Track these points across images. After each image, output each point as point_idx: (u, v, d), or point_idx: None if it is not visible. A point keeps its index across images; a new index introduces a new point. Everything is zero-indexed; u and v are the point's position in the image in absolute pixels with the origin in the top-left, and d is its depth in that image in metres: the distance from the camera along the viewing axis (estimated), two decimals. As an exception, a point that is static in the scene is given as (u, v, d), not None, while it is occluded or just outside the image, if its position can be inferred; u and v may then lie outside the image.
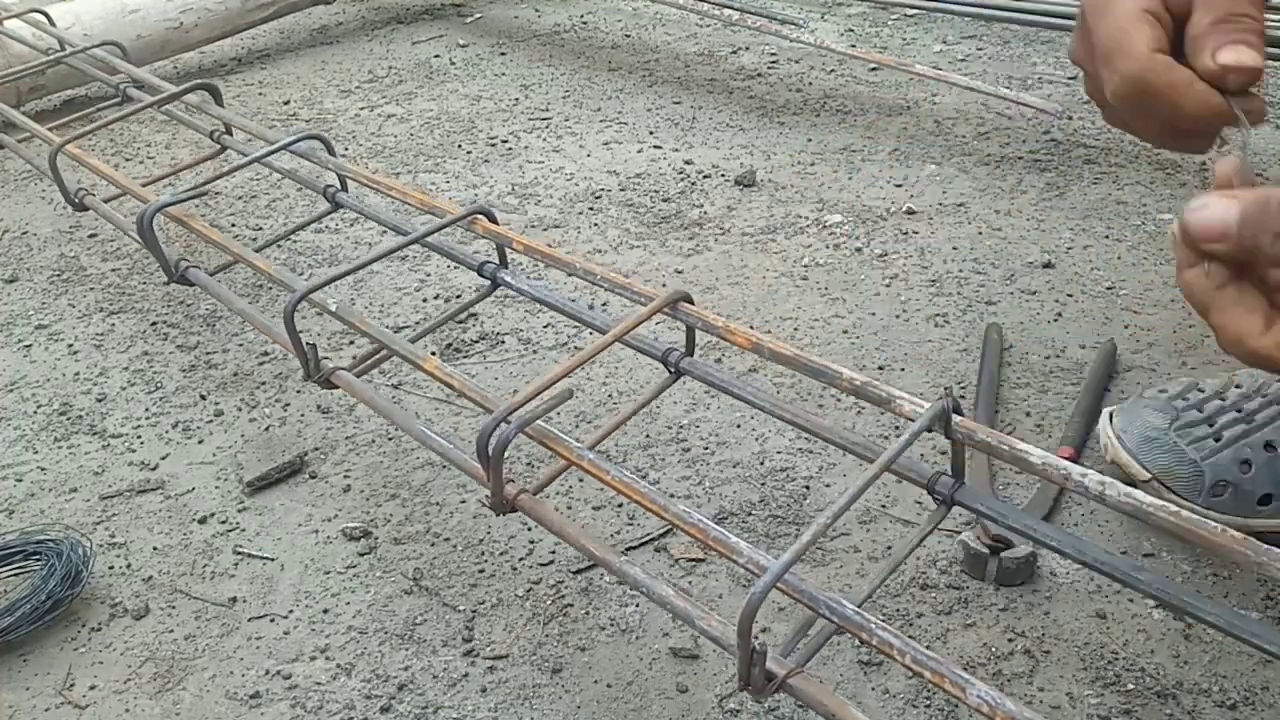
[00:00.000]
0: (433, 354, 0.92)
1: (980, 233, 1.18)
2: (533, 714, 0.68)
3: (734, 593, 0.75)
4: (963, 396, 0.92)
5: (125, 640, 0.75)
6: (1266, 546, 0.44)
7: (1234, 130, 0.45)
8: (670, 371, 0.66)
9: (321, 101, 1.67)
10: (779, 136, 1.44)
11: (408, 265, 1.18)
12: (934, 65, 1.54)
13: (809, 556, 0.77)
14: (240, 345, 1.06)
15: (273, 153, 0.91)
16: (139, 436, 0.95)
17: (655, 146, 1.43)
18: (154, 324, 1.11)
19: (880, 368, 0.97)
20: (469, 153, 1.46)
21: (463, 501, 0.85)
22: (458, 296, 1.12)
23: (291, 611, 0.76)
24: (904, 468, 0.55)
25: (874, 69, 1.63)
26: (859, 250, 1.16)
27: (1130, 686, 0.66)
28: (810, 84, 1.61)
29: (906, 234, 1.18)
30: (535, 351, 1.03)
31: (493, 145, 1.48)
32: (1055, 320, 1.02)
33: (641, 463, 0.87)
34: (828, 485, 0.84)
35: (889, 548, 0.78)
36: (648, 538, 0.80)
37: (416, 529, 0.83)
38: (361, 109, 1.63)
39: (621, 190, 1.32)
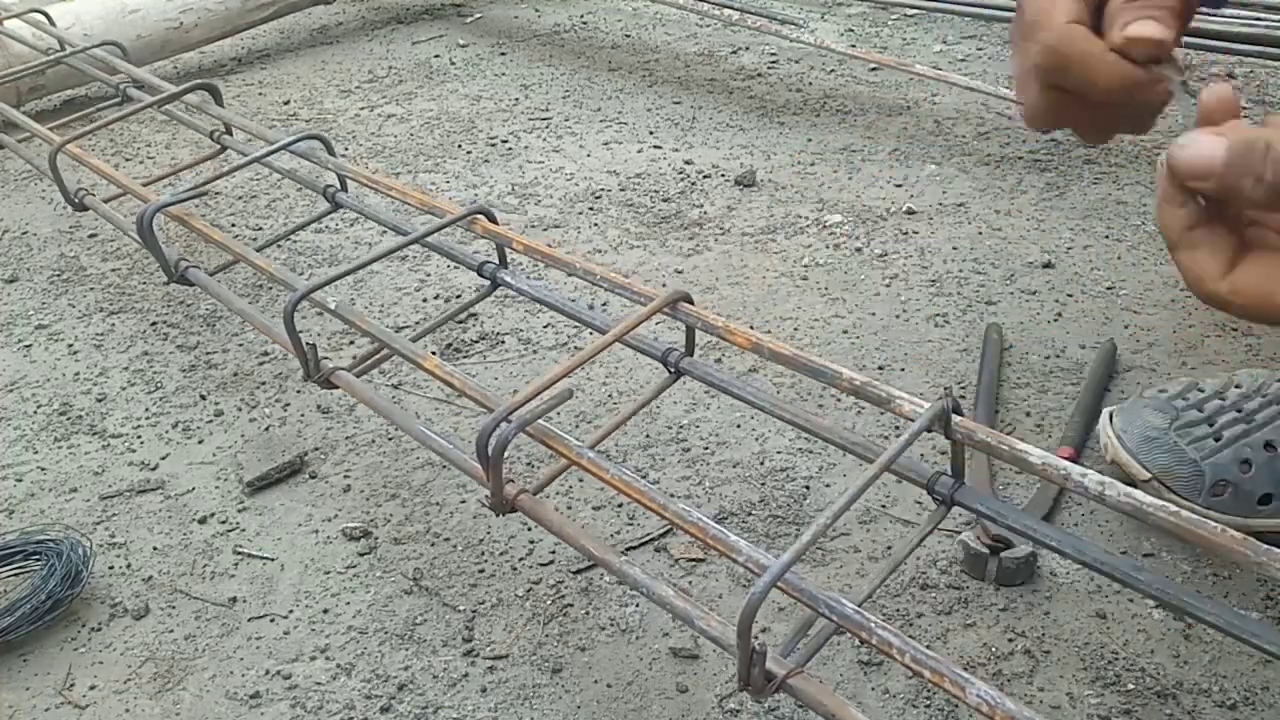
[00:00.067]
0: (433, 354, 0.92)
1: (980, 233, 1.18)
2: (533, 714, 0.68)
3: (734, 593, 0.75)
4: (963, 396, 0.92)
5: (125, 640, 0.75)
6: (1266, 546, 0.44)
7: (1179, 106, 0.45)
8: (670, 371, 0.66)
9: (321, 101, 1.67)
10: (779, 136, 1.44)
11: (408, 265, 1.18)
12: (934, 65, 1.54)
13: (809, 556, 0.77)
14: (240, 345, 1.06)
15: (273, 153, 0.91)
16: (139, 436, 0.95)
17: (655, 146, 1.43)
18: (154, 324, 1.11)
19: (880, 368, 0.97)
20: (469, 153, 1.46)
21: (463, 501, 0.85)
22: (458, 296, 1.12)
23: (291, 611, 0.76)
24: (904, 468, 0.55)
25: (874, 69, 1.63)
26: (859, 250, 1.16)
27: (1130, 686, 0.66)
28: (810, 84, 1.61)
29: (906, 234, 1.18)
30: (535, 351, 1.03)
31: (493, 145, 1.48)
32: (1055, 320, 1.02)
33: (641, 463, 0.87)
34: (828, 485, 0.84)
35: (889, 548, 0.78)
36: (648, 538, 0.80)
37: (416, 529, 0.83)
38: (361, 109, 1.63)
39: (621, 190, 1.32)
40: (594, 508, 0.83)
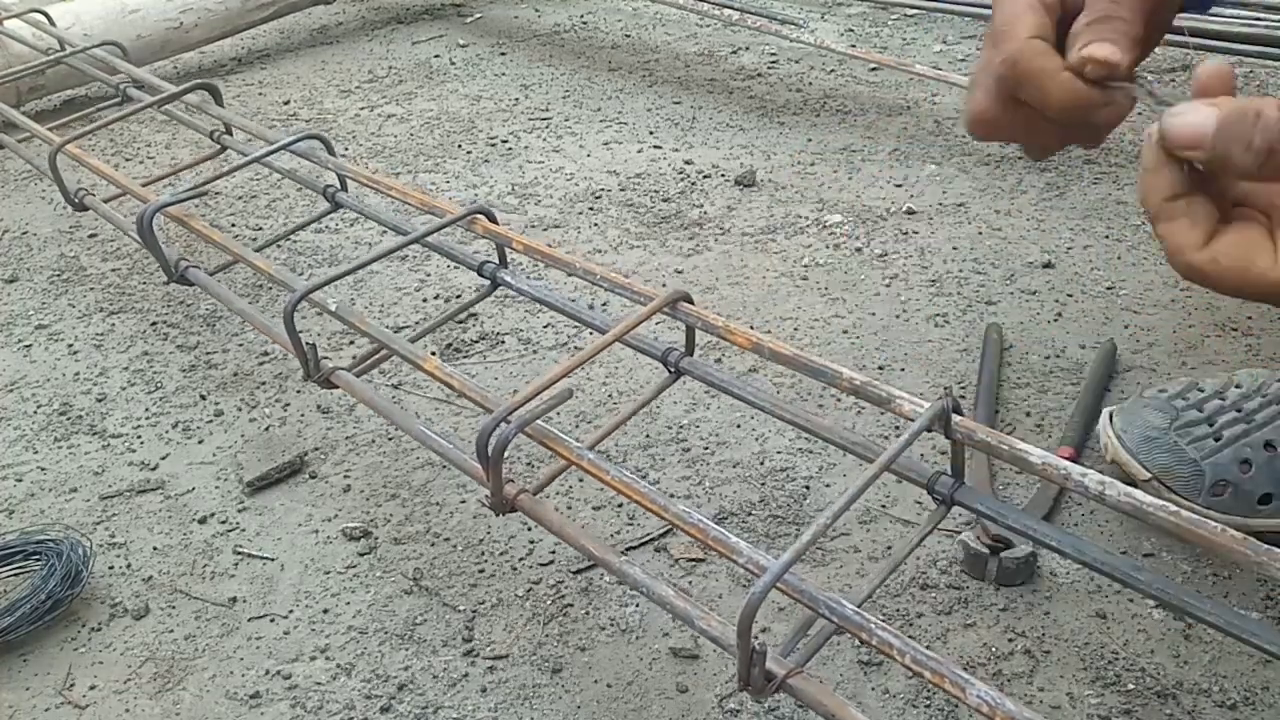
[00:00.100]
0: (433, 354, 0.92)
1: (980, 233, 1.18)
2: (533, 714, 0.68)
3: (734, 593, 0.75)
4: (963, 396, 0.92)
5: (125, 640, 0.75)
6: (1266, 546, 0.44)
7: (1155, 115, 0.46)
8: (670, 371, 0.66)
9: (321, 101, 1.67)
10: (779, 136, 1.44)
11: (408, 265, 1.18)
12: (934, 65, 1.54)
13: (809, 556, 0.77)
14: (240, 345, 1.06)
15: (273, 153, 0.91)
16: (139, 436, 0.95)
17: (655, 146, 1.43)
18: (154, 324, 1.11)
19: (880, 368, 0.97)
20: (469, 153, 1.46)
21: (463, 501, 0.85)
22: (458, 296, 1.12)
23: (291, 611, 0.76)
24: (904, 468, 0.55)
25: (874, 69, 1.63)
26: (859, 250, 1.16)
27: (1130, 686, 0.66)
28: (810, 84, 1.61)
29: (906, 234, 1.18)
30: (535, 351, 1.03)
31: (493, 145, 1.48)
32: (1055, 320, 1.02)
33: (641, 463, 0.87)
34: (828, 485, 0.84)
35: (889, 548, 0.78)
36: (648, 538, 0.80)
37: (416, 529, 0.83)
38: (361, 109, 1.63)
39: (621, 190, 1.32)
40: (594, 508, 0.83)
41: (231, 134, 1.06)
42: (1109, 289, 1.06)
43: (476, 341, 1.05)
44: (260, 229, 1.28)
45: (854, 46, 1.65)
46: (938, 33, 1.77)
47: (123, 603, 0.78)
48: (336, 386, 0.73)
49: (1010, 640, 0.70)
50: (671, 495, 0.64)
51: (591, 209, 1.29)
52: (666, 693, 0.68)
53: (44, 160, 1.01)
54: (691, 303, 0.65)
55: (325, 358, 0.73)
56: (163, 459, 0.92)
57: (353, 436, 0.93)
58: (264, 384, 1.00)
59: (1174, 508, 0.47)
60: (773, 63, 1.71)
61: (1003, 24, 0.49)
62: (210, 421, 0.96)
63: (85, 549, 0.79)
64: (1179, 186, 0.43)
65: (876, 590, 0.56)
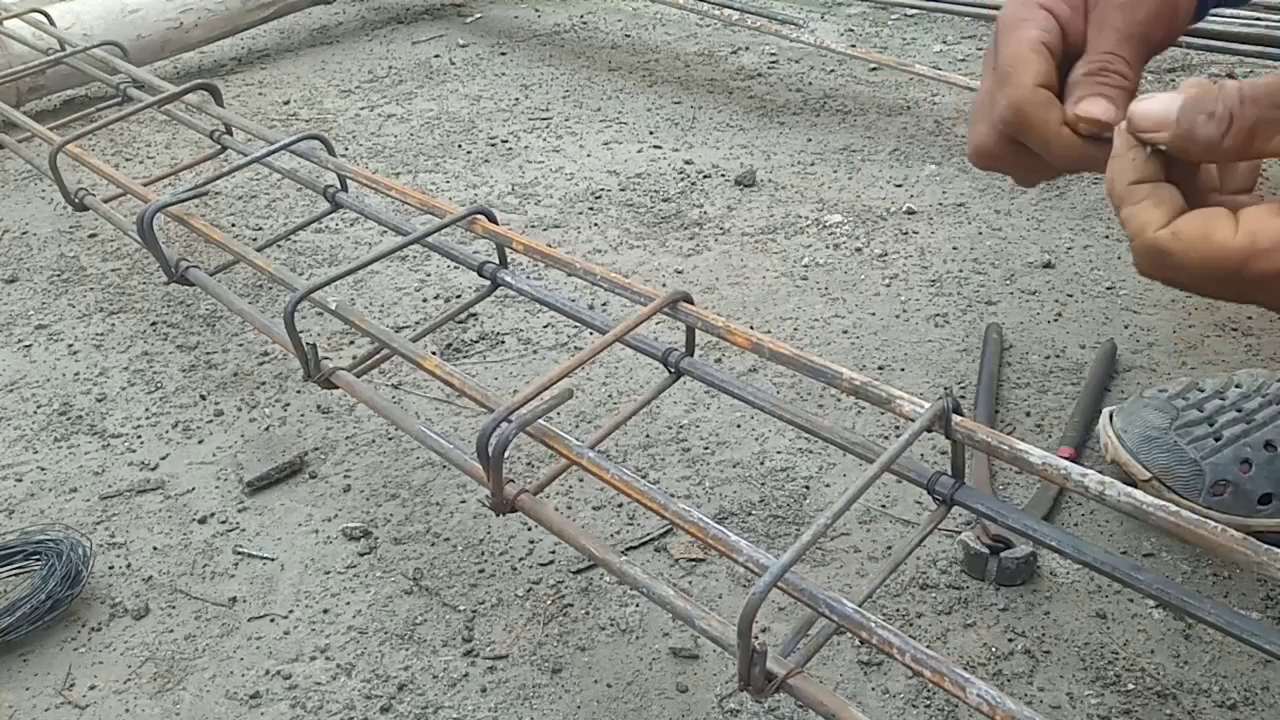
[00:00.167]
0: (433, 354, 0.92)
1: (980, 233, 1.18)
2: (533, 714, 0.68)
3: (734, 593, 0.75)
4: (963, 396, 0.92)
5: (125, 640, 0.75)
6: (1266, 546, 0.44)
7: None
8: (670, 371, 0.66)
9: (321, 101, 1.67)
10: (779, 136, 1.44)
11: (408, 265, 1.18)
12: (934, 65, 1.54)
13: (809, 556, 0.77)
14: (240, 345, 1.06)
15: (273, 153, 0.91)
16: (139, 436, 0.95)
17: (655, 146, 1.43)
18: (154, 324, 1.11)
19: (880, 368, 0.97)
20: (469, 153, 1.46)
21: (463, 501, 0.85)
22: (458, 296, 1.12)
23: (291, 611, 0.76)
24: (904, 468, 0.55)
25: (874, 69, 1.63)
26: (859, 250, 1.16)
27: (1130, 686, 0.66)
28: (810, 84, 1.61)
29: (906, 234, 1.18)
30: (535, 351, 1.03)
31: (493, 145, 1.48)
32: (1055, 320, 1.02)
33: (641, 462, 0.87)
34: (828, 485, 0.84)
35: (889, 548, 0.78)
36: (648, 538, 0.80)
37: (416, 529, 0.83)
38: (361, 109, 1.63)
39: (621, 190, 1.32)
40: (594, 508, 0.83)
41: (231, 134, 1.06)
42: (1109, 289, 1.06)
43: (476, 341, 1.05)
44: (260, 229, 1.28)
45: (854, 46, 1.65)
46: (938, 33, 1.77)
47: (123, 603, 0.78)
48: (336, 386, 0.73)
49: (1010, 640, 0.70)
50: (671, 495, 0.64)
51: (591, 209, 1.29)
52: (666, 693, 0.68)
53: (44, 160, 1.01)
54: (691, 303, 0.65)
55: (325, 358, 0.73)
56: (163, 459, 0.92)
57: (353, 436, 0.93)
58: (264, 384, 1.00)
59: (1174, 508, 0.47)
60: (773, 63, 1.71)
61: (1007, 63, 0.49)
62: (210, 421, 0.96)
63: (85, 549, 0.79)
64: (1145, 173, 0.43)
65: (877, 590, 0.56)
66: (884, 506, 0.81)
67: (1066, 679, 0.67)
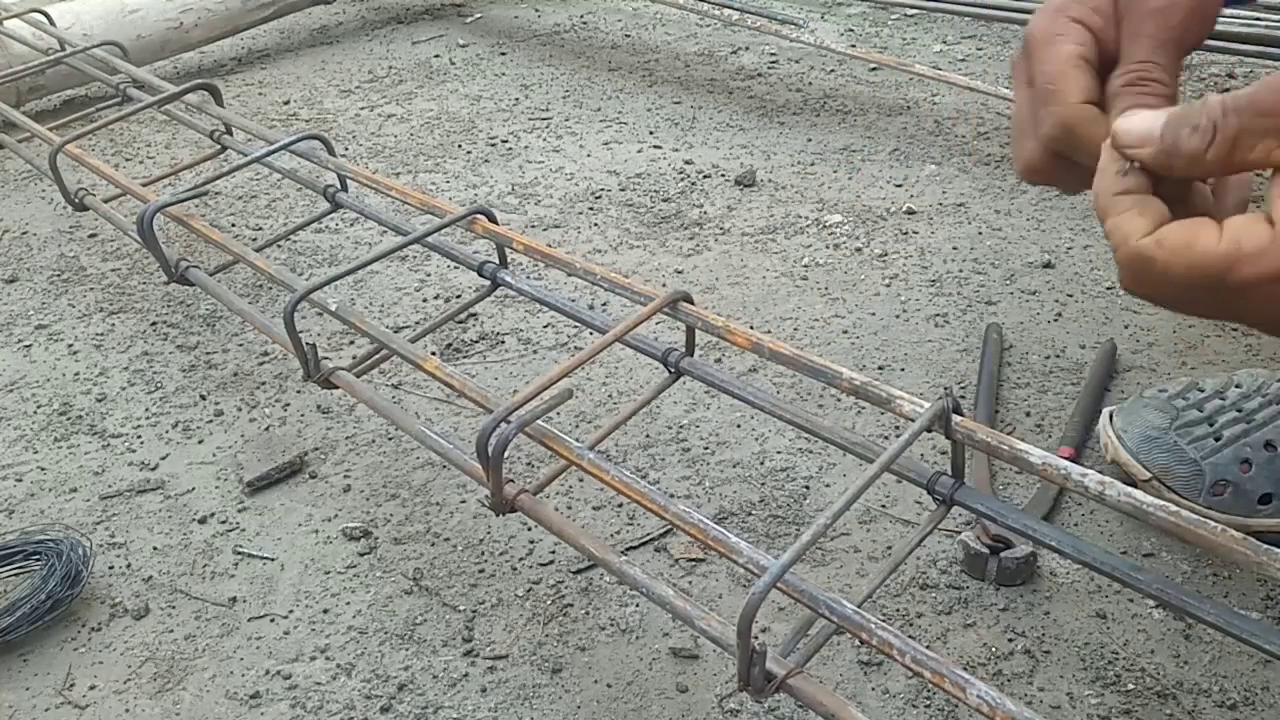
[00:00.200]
0: (433, 354, 0.92)
1: (980, 233, 1.18)
2: (533, 714, 0.68)
3: (734, 593, 0.75)
4: (963, 396, 0.92)
5: (125, 640, 0.75)
6: (1266, 546, 0.44)
7: None
8: (670, 371, 0.66)
9: (321, 101, 1.67)
10: (779, 136, 1.44)
11: (408, 265, 1.18)
12: (934, 65, 1.54)
13: (809, 556, 0.77)
14: (240, 345, 1.06)
15: (273, 153, 0.91)
16: (139, 436, 0.95)
17: (655, 146, 1.43)
18: (154, 324, 1.11)
19: (880, 368, 0.97)
20: (469, 153, 1.46)
21: (463, 501, 0.85)
22: (458, 296, 1.12)
23: (291, 611, 0.76)
24: (904, 468, 0.55)
25: (874, 69, 1.63)
26: (859, 250, 1.16)
27: (1130, 686, 0.66)
28: (810, 84, 1.61)
29: (906, 234, 1.18)
30: (535, 351, 1.03)
31: (493, 145, 1.48)
32: (1055, 320, 1.02)
33: (641, 463, 0.87)
34: (828, 485, 0.84)
35: (889, 548, 0.78)
36: (648, 538, 0.80)
37: (416, 529, 0.83)
38: (361, 109, 1.63)
39: (621, 190, 1.32)
40: (594, 508, 0.83)
41: (231, 134, 1.06)
42: (1109, 289, 1.06)
43: (476, 341, 1.05)
44: (260, 229, 1.28)
45: (854, 46, 1.65)
46: (938, 33, 1.77)
47: (123, 603, 0.78)
48: (336, 386, 0.73)
49: (1010, 640, 0.70)
50: (671, 495, 0.64)
51: (591, 209, 1.29)
52: (666, 693, 0.68)
53: (44, 160, 1.01)
54: (691, 303, 0.65)
55: (325, 358, 0.73)
56: (163, 459, 0.92)
57: (353, 436, 0.93)
58: (264, 384, 1.00)
59: (1174, 508, 0.47)
60: (773, 63, 1.71)
61: (1048, 79, 0.49)
62: (210, 421, 0.96)
63: (85, 549, 0.79)
64: (1130, 185, 0.43)
65: (877, 590, 0.56)
66: (884, 506, 0.81)
67: (1066, 679, 0.67)
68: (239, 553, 0.82)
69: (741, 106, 1.54)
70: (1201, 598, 0.46)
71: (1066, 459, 0.51)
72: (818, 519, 0.46)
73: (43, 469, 0.92)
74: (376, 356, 0.76)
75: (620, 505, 0.83)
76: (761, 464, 0.86)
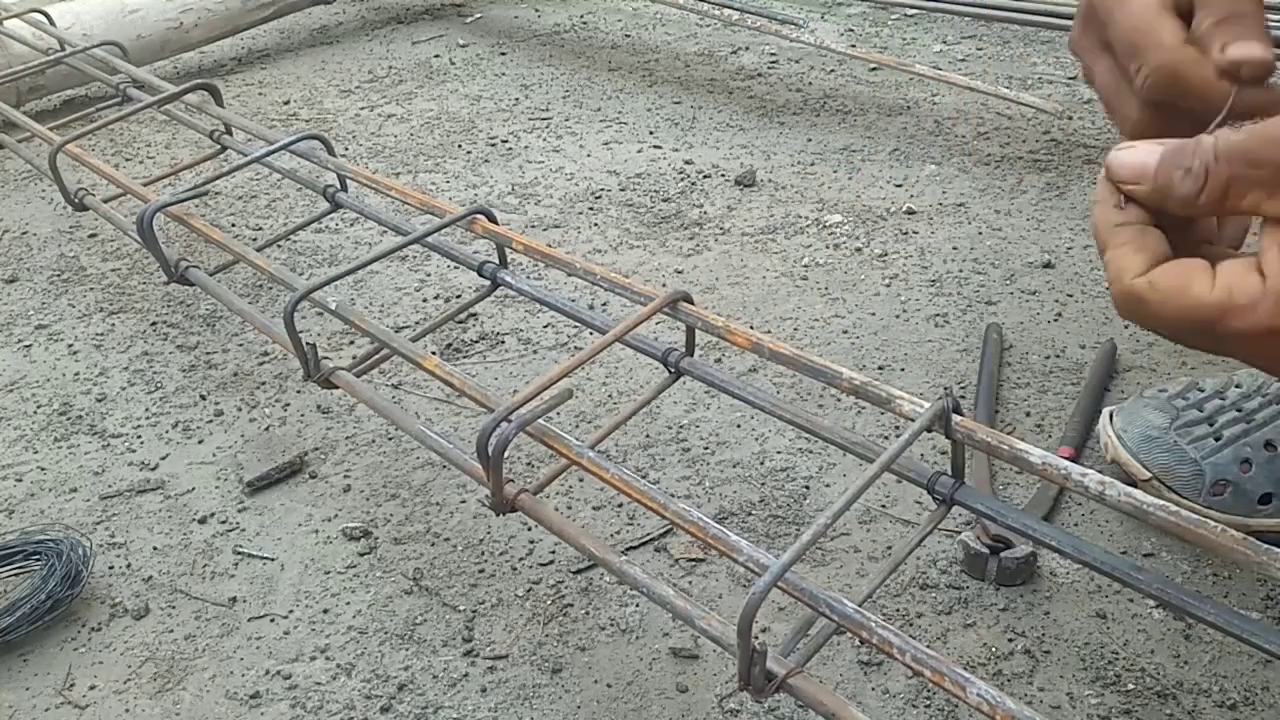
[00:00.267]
0: (433, 354, 0.92)
1: (980, 233, 1.18)
2: (533, 714, 0.68)
3: (734, 593, 0.75)
4: (963, 396, 0.92)
5: (125, 640, 0.75)
6: (1266, 546, 0.44)
7: None
8: (670, 371, 0.66)
9: (321, 101, 1.67)
10: (779, 136, 1.44)
11: (408, 265, 1.18)
12: (934, 65, 1.54)
13: (809, 556, 0.77)
14: (240, 345, 1.06)
15: (273, 153, 0.91)
16: (139, 436, 0.95)
17: (655, 146, 1.43)
18: (154, 324, 1.11)
19: (880, 368, 0.97)
20: (469, 153, 1.46)
21: (463, 501, 0.85)
22: (458, 296, 1.12)
23: (291, 611, 0.76)
24: (904, 468, 0.55)
25: (874, 69, 1.63)
26: (859, 250, 1.16)
27: (1130, 686, 0.66)
28: (810, 84, 1.61)
29: (906, 234, 1.18)
30: (535, 351, 1.03)
31: (493, 145, 1.48)
32: (1055, 320, 1.02)
33: (642, 462, 0.87)
34: (828, 485, 0.84)
35: (889, 548, 0.78)
36: (648, 538, 0.80)
37: (416, 529, 0.83)
38: (361, 109, 1.63)
39: (621, 190, 1.32)
40: (594, 508, 0.83)
41: (231, 134, 1.06)
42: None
43: (476, 341, 1.05)
44: (260, 229, 1.28)
45: (854, 46, 1.65)
46: (938, 33, 1.77)
47: (123, 603, 0.78)
48: (336, 386, 0.73)
49: (1010, 640, 0.70)
50: (671, 495, 0.64)
51: (591, 209, 1.29)
52: (666, 693, 0.68)
53: (44, 160, 1.01)
54: (691, 303, 0.65)
55: (325, 358, 0.73)
56: (163, 459, 0.92)
57: (353, 436, 0.93)
58: (264, 384, 1.00)
59: (1174, 508, 0.47)
60: (773, 63, 1.71)
61: (1135, 29, 0.47)
62: (210, 421, 0.96)
63: (85, 549, 0.79)
64: (1129, 216, 0.43)
65: (877, 590, 0.56)
66: (884, 506, 0.81)
67: (1066, 679, 0.67)
68: (239, 553, 0.82)
69: (741, 106, 1.54)
70: (1201, 598, 0.46)
71: (1066, 459, 0.51)
72: (818, 519, 0.46)
73: (43, 469, 0.92)
74: (377, 356, 0.76)
75: (620, 505, 0.83)
76: (761, 464, 0.86)
